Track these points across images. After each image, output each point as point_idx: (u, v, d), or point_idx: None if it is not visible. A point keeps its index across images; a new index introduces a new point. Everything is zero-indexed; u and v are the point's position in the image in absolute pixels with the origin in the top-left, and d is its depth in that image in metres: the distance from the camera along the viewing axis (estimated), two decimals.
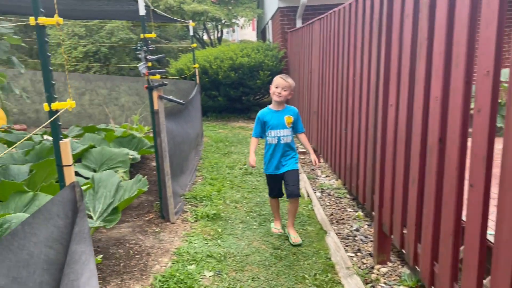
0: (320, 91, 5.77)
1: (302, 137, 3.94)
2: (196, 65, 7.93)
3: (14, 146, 1.85)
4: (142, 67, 3.92)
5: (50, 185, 2.92)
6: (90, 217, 3.32)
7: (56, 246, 1.77)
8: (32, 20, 1.88)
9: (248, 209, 4.67)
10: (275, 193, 3.99)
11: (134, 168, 5.60)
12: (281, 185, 3.94)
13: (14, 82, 8.45)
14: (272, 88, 3.78)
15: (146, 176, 5.31)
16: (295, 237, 3.75)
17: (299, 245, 3.71)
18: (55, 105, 2.06)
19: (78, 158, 4.48)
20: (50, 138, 5.26)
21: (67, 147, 2.09)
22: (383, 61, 3.19)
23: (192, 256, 3.53)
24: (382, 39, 3.24)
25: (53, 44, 20.67)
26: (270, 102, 3.96)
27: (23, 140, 1.80)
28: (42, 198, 2.57)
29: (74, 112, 8.57)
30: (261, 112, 3.91)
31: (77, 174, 4.11)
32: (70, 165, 2.09)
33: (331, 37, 5.10)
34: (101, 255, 3.28)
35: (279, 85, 3.73)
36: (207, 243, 3.82)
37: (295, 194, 3.73)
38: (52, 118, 2.08)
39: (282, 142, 3.79)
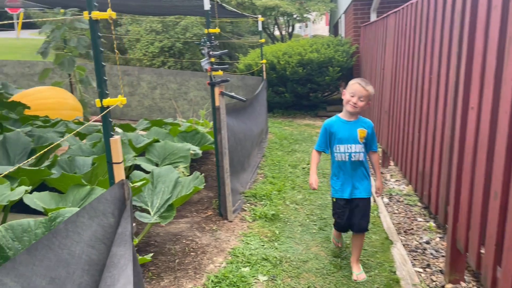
0: (393, 89, 5.40)
1: (374, 157, 3.28)
2: (264, 61, 7.82)
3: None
4: (204, 62, 3.87)
5: (107, 180, 2.96)
6: (148, 212, 3.33)
7: (98, 246, 1.73)
8: (85, 15, 1.85)
9: (309, 211, 4.48)
10: (343, 227, 3.27)
11: (197, 163, 5.63)
12: (351, 214, 3.19)
13: (93, 75, 8.92)
14: (346, 95, 3.09)
15: (204, 174, 5.32)
16: (358, 274, 3.13)
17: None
18: (106, 101, 2.03)
19: (142, 151, 4.56)
20: (120, 130, 5.44)
21: (117, 145, 2.05)
22: (465, 58, 2.84)
23: (247, 258, 3.42)
24: (464, 33, 2.88)
25: (132, 40, 21.73)
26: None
27: (72, 133, 1.78)
28: (98, 192, 2.59)
29: (146, 105, 8.87)
30: (328, 121, 3.21)
31: (139, 168, 4.17)
32: (120, 163, 2.05)
33: (407, 32, 4.73)
34: (151, 254, 3.28)
35: (356, 93, 3.03)
36: (263, 245, 3.70)
37: (363, 229, 3.16)
38: (103, 113, 2.05)
39: (353, 159, 3.13)
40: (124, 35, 22.22)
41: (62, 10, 7.47)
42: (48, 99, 6.22)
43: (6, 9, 18.63)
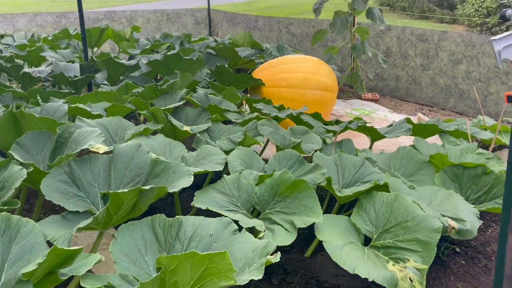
0: None
1: None
2: None
3: None
4: (502, 43, 1.35)
5: None
6: None
7: None
8: None
9: None
10: None
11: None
12: None
13: (380, 39, 6.94)
14: None
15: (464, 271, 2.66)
16: None
17: None
18: None
19: (353, 199, 2.47)
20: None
21: None
22: None
23: None
24: None
25: None
26: None
27: None
28: None
29: (441, 85, 6.27)
30: None
31: (319, 248, 2.14)
32: None
33: None
34: None
35: None
36: None
37: None
38: None
39: None
40: None
41: None
42: (294, 73, 4.75)
43: None
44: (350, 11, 6.17)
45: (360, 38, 6.45)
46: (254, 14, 9.30)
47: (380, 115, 5.95)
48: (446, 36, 6.16)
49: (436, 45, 6.29)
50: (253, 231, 2.10)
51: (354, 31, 6.40)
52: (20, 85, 4.52)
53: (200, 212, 2.87)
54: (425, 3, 20.18)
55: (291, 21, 8.23)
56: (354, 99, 6.73)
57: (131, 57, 4.98)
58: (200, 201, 2.19)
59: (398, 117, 5.95)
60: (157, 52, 6.32)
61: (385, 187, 2.41)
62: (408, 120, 3.72)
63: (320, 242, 2.60)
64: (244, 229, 1.83)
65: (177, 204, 2.48)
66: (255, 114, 3.26)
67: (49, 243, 1.75)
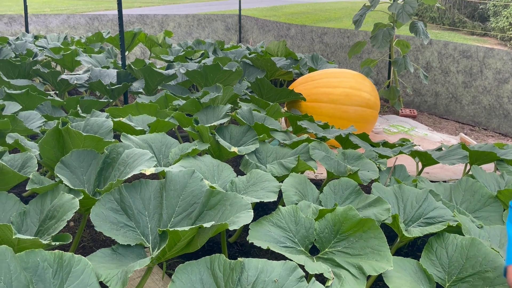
0: None
1: None
2: None
3: None
4: None
5: None
6: None
7: None
8: None
9: None
10: None
11: None
12: None
13: (419, 53, 6.69)
14: None
15: None
16: None
17: None
18: None
19: (413, 240, 2.25)
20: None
21: None
22: None
23: None
24: None
25: (499, 5, 17.36)
26: None
27: None
28: None
29: (484, 104, 5.99)
30: None
31: None
32: None
33: None
34: None
35: None
36: None
37: None
38: None
39: None
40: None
41: None
42: (336, 88, 4.56)
43: None
44: (391, 24, 5.95)
45: (401, 51, 6.22)
46: (285, 22, 9.13)
47: (420, 133, 5.71)
48: (492, 53, 5.89)
49: (480, 62, 6.01)
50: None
51: (394, 44, 6.17)
52: (56, 91, 4.43)
53: (243, 238, 2.70)
54: (456, 14, 19.68)
55: (324, 30, 8.03)
56: (391, 114, 6.49)
57: (169, 66, 4.85)
58: (256, 236, 2.01)
59: (438, 136, 5.69)
60: (191, 59, 6.20)
61: (456, 227, 2.19)
62: (463, 146, 3.49)
63: (376, 280, 2.40)
64: (314, 279, 1.65)
65: (223, 238, 2.31)
66: (305, 135, 3.08)
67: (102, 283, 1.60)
